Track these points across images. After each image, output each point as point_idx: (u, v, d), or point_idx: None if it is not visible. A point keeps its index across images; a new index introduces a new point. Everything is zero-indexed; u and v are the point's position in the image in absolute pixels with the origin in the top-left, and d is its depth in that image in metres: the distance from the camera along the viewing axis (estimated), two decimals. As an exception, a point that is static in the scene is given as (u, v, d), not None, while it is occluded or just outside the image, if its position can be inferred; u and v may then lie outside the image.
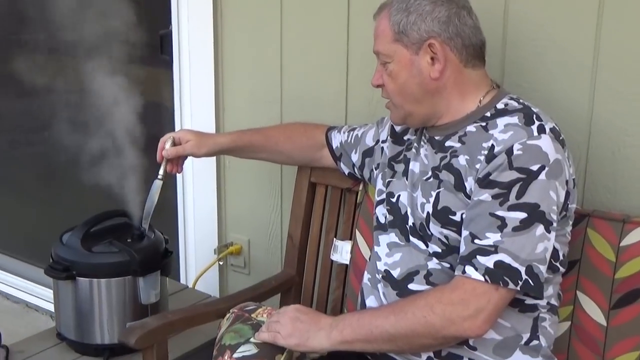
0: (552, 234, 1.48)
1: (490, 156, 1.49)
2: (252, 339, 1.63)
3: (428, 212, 1.59)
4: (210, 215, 2.54)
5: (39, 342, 2.11)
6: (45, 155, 3.41)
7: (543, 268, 1.47)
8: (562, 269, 1.61)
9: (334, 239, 2.11)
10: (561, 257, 1.59)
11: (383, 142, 1.85)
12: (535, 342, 1.56)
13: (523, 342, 1.55)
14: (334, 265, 2.12)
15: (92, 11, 2.41)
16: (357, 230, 2.01)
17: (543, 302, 1.57)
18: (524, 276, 1.44)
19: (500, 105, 1.58)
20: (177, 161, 2.00)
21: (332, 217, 2.14)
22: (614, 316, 1.67)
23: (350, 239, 2.06)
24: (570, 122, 1.80)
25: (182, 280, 2.66)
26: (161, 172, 1.97)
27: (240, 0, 2.33)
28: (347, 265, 2.06)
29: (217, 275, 2.58)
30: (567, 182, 1.51)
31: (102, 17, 2.46)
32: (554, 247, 1.54)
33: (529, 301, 1.55)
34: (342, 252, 2.08)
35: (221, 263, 2.53)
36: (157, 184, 1.97)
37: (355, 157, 1.94)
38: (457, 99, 1.60)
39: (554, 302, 1.61)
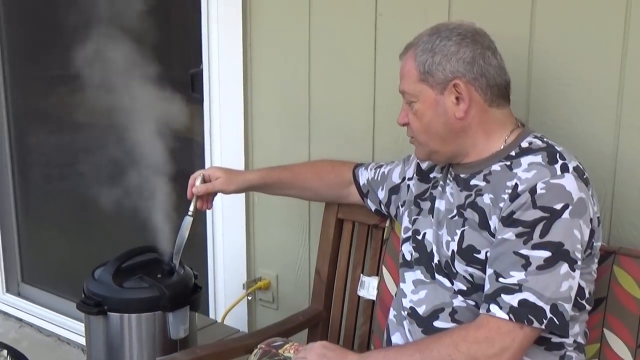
0: (577, 273, 1.49)
1: (514, 195, 1.50)
2: (279, 375, 1.65)
3: (453, 250, 1.60)
4: (239, 250, 2.57)
5: (70, 376, 2.14)
6: (78, 189, 3.48)
7: (568, 306, 1.48)
8: (588, 307, 1.61)
9: (361, 274, 2.13)
10: (587, 295, 1.59)
11: (409, 179, 1.87)
12: (562, 380, 1.56)
13: (549, 381, 1.55)
14: (361, 301, 2.14)
15: (125, 49, 2.48)
16: (383, 267, 2.03)
17: (569, 340, 1.58)
18: (549, 315, 1.45)
19: (524, 144, 1.59)
20: (207, 198, 2.04)
21: (359, 253, 2.16)
22: (641, 354, 1.67)
23: (377, 275, 2.08)
24: (595, 159, 1.82)
25: (212, 315, 2.68)
26: (191, 208, 2.01)
27: (269, 41, 2.37)
28: (373, 301, 2.07)
29: (245, 310, 2.60)
30: (591, 220, 1.52)
31: (136, 55, 2.53)
32: (580, 285, 1.55)
33: (555, 339, 1.55)
34: (368, 288, 2.10)
35: (250, 298, 2.55)
36: (188, 221, 2.02)
37: (381, 194, 1.97)
38: (482, 138, 1.62)
39: (580, 340, 1.61)
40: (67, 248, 3.50)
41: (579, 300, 1.57)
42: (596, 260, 1.61)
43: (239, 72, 2.43)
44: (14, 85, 3.47)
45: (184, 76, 2.71)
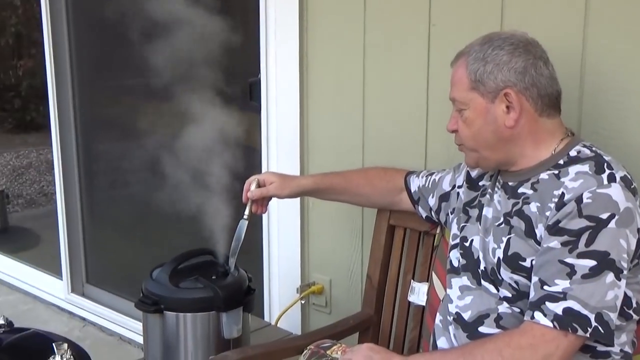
0: (623, 282, 1.49)
1: (560, 204, 1.51)
2: (325, 375, 1.70)
3: (499, 258, 1.62)
4: (294, 255, 2.63)
5: (128, 372, 2.23)
6: (140, 195, 3.60)
7: (613, 315, 1.48)
8: (635, 317, 1.61)
9: (412, 280, 2.17)
10: (634, 305, 1.59)
11: (459, 187, 1.89)
12: (608, 388, 1.57)
13: (595, 389, 1.56)
14: (411, 307, 2.17)
15: (189, 59, 2.56)
16: (433, 273, 2.05)
17: (616, 349, 1.58)
18: (594, 323, 1.46)
19: (573, 153, 1.60)
20: (262, 202, 2.10)
21: (410, 259, 2.19)
22: (689, 366, 1.65)
23: (427, 281, 2.10)
24: (646, 169, 1.81)
25: (266, 318, 2.74)
26: (247, 212, 2.07)
27: (324, 51, 2.43)
28: (423, 306, 2.10)
29: (299, 313, 2.65)
30: (638, 230, 1.52)
31: (198, 65, 2.61)
32: (627, 295, 1.56)
33: (601, 348, 1.56)
34: (419, 294, 2.12)
35: (303, 302, 2.60)
36: (243, 224, 2.08)
37: (432, 201, 2.00)
38: (531, 147, 1.64)
39: (627, 349, 1.61)
40: (129, 251, 3.61)
41: (626, 309, 1.57)
42: (643, 270, 1.61)
43: (295, 81, 2.49)
44: (82, 94, 3.61)
45: (243, 85, 2.78)
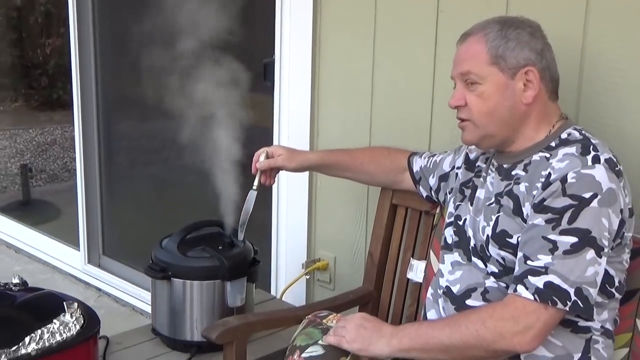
0: (603, 259, 1.55)
1: (547, 183, 1.58)
2: (320, 342, 1.77)
3: (488, 235, 1.69)
4: (301, 231, 2.71)
5: (135, 336, 2.32)
6: (157, 172, 3.70)
7: (593, 291, 1.54)
8: (618, 295, 1.67)
9: (411, 258, 2.23)
10: (617, 284, 1.65)
11: (458, 168, 1.96)
12: (586, 363, 1.63)
13: (574, 361, 1.62)
14: (409, 283, 2.24)
15: (207, 39, 2.64)
16: (430, 250, 2.12)
17: (597, 325, 1.64)
18: (573, 297, 1.52)
19: (564, 136, 1.67)
20: (270, 173, 2.16)
21: (410, 238, 2.26)
22: (671, 346, 1.71)
23: (426, 259, 2.17)
24: (640, 155, 1.87)
25: (273, 292, 2.83)
26: (255, 183, 2.13)
27: (337, 35, 2.50)
28: (421, 283, 2.17)
29: (304, 289, 2.73)
30: (621, 210, 1.58)
31: (216, 45, 2.69)
32: (609, 273, 1.62)
33: (582, 323, 1.62)
34: (417, 271, 2.19)
35: (307, 277, 2.68)
36: (252, 194, 2.14)
37: (432, 181, 2.06)
38: (533, 127, 1.69)
39: (608, 326, 1.67)
40: (144, 225, 3.71)
41: (608, 287, 1.63)
42: (627, 251, 1.66)
43: (308, 63, 2.57)
44: (104, 74, 3.71)
45: (258, 65, 2.86)
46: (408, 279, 2.24)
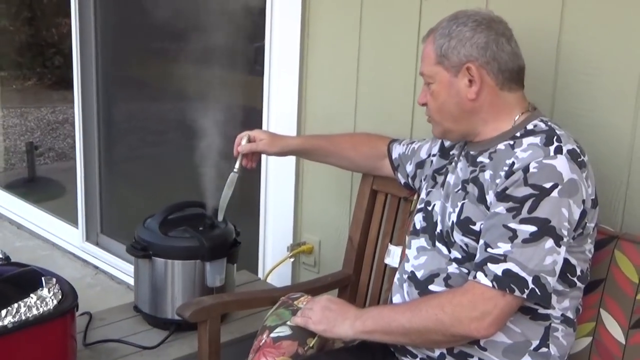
0: (563, 249, 1.57)
1: (509, 172, 1.60)
2: (288, 322, 1.81)
3: (453, 221, 1.72)
4: (288, 215, 2.75)
5: (118, 313, 2.38)
6: (154, 153, 3.74)
7: (551, 279, 1.57)
8: (579, 284, 1.69)
9: (389, 243, 2.27)
10: (579, 273, 1.68)
11: (433, 155, 1.99)
12: (544, 349, 1.66)
13: (532, 347, 1.65)
14: (387, 268, 2.27)
15: (206, 26, 2.68)
16: (406, 236, 2.15)
17: (557, 313, 1.67)
18: (531, 285, 1.55)
19: (530, 126, 1.68)
20: (252, 157, 2.19)
21: (389, 224, 2.29)
22: (632, 335, 1.74)
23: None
24: (613, 147, 1.90)
25: (260, 273, 2.87)
26: (237, 166, 2.16)
27: (325, 22, 2.53)
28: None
29: (290, 271, 2.78)
30: (583, 201, 1.60)
31: (210, 29, 2.73)
32: (571, 263, 1.65)
33: (542, 311, 1.65)
34: (394, 256, 2.22)
35: (292, 260, 2.72)
36: (232, 177, 2.15)
37: (409, 168, 2.09)
38: (491, 119, 1.72)
39: (569, 314, 1.70)
40: (142, 205, 3.76)
41: (570, 276, 1.66)
42: (590, 241, 1.69)
43: (296, 48, 2.59)
44: (104, 56, 3.75)
45: (250, 49, 2.90)
46: (386, 264, 2.27)
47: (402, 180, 2.14)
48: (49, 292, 1.91)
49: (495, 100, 1.71)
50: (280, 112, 2.70)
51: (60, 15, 7.04)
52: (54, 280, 1.95)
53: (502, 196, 1.60)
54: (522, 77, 1.74)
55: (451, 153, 1.90)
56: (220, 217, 2.23)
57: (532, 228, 1.55)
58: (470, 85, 1.69)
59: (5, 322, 1.82)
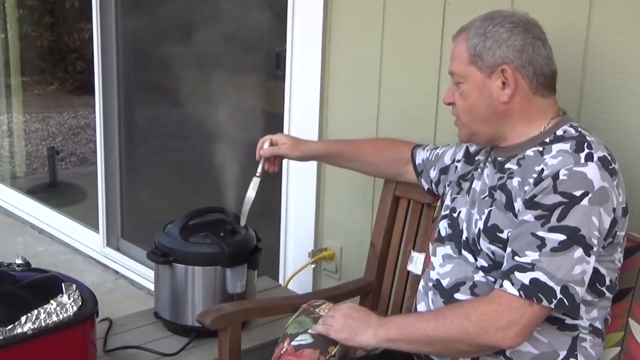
0: (592, 258, 1.53)
1: (538, 179, 1.56)
2: (309, 330, 1.79)
3: (479, 229, 1.68)
4: (309, 221, 2.72)
5: (138, 319, 2.37)
6: (174, 158, 3.74)
7: (580, 289, 1.53)
8: (608, 294, 1.65)
9: (412, 250, 2.23)
10: (607, 283, 1.64)
11: (457, 161, 1.95)
12: (572, 360, 1.62)
13: (559, 358, 1.61)
14: (409, 275, 2.24)
15: (226, 33, 2.67)
16: (429, 243, 2.11)
17: (585, 323, 1.63)
18: (559, 295, 1.51)
19: (559, 132, 1.65)
20: (274, 161, 2.17)
21: (411, 230, 2.26)
22: (662, 346, 1.69)
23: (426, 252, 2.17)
24: (641, 153, 1.85)
25: (281, 279, 2.85)
26: (259, 170, 2.14)
27: (347, 26, 2.51)
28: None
29: (311, 277, 2.75)
30: (614, 209, 1.56)
31: (232, 35, 2.71)
32: (600, 272, 1.60)
33: (569, 321, 1.60)
34: (416, 263, 2.19)
35: (314, 266, 2.70)
36: (255, 181, 2.14)
37: (433, 174, 2.06)
38: (521, 124, 1.68)
39: (598, 325, 1.66)
40: (162, 210, 3.75)
41: (599, 286, 1.62)
42: (619, 250, 1.64)
43: (318, 53, 2.57)
44: (125, 61, 3.75)
45: (271, 54, 2.88)
46: (409, 271, 2.23)
47: (426, 186, 2.11)
48: (69, 298, 1.90)
49: (527, 105, 1.67)
50: (301, 117, 2.68)
51: (81, 21, 7.09)
52: (74, 286, 1.93)
53: (530, 204, 1.56)
54: (554, 82, 1.71)
55: (476, 159, 1.87)
56: (242, 222, 2.21)
57: (561, 237, 1.51)
58: (503, 88, 1.65)
59: (25, 328, 1.81)
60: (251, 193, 2.15)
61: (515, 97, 1.66)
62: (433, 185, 2.07)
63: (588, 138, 1.61)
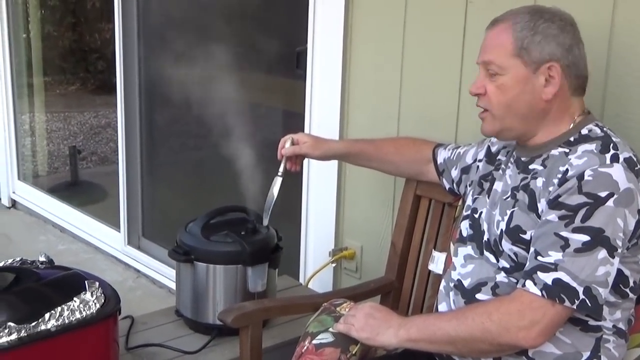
0: (616, 260, 1.52)
1: (563, 180, 1.55)
2: (330, 329, 1.79)
3: (502, 230, 1.67)
4: (330, 220, 2.72)
5: (159, 317, 2.38)
6: (195, 158, 3.75)
7: (603, 291, 1.52)
8: (632, 295, 1.64)
9: (433, 249, 2.23)
10: (631, 284, 1.62)
11: (479, 161, 1.94)
12: (595, 361, 1.61)
13: (583, 359, 1.60)
14: (430, 275, 2.24)
15: (248, 31, 2.67)
16: (450, 242, 2.11)
17: (608, 325, 1.62)
18: (582, 296, 1.50)
19: (584, 131, 1.64)
20: (296, 160, 2.16)
21: (432, 229, 2.25)
22: (687, 347, 1.68)
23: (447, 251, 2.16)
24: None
25: (301, 279, 2.85)
26: (281, 169, 2.14)
27: (368, 25, 2.51)
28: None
29: (331, 277, 2.75)
30: (639, 211, 1.55)
31: (250, 34, 2.72)
32: (624, 274, 1.59)
33: (593, 322, 1.59)
34: (437, 263, 2.19)
35: (334, 265, 2.70)
36: (277, 180, 2.13)
37: (454, 173, 2.05)
38: (553, 123, 1.66)
39: (621, 326, 1.64)
40: (183, 209, 3.77)
41: (622, 287, 1.61)
42: (644, 251, 1.63)
43: (339, 52, 2.57)
44: (147, 62, 3.77)
45: (291, 53, 2.88)
46: (429, 271, 2.23)
47: (447, 186, 2.10)
48: (92, 295, 1.91)
49: (563, 105, 1.66)
50: (322, 117, 2.68)
51: (103, 21, 7.13)
52: (97, 284, 1.95)
53: (554, 204, 1.55)
54: (586, 84, 1.70)
55: (498, 158, 1.86)
56: (265, 222, 2.18)
57: (585, 237, 1.51)
58: (546, 85, 1.63)
59: (49, 325, 1.82)
60: (274, 192, 2.14)
61: (556, 96, 1.64)
62: (454, 185, 2.07)
63: (614, 139, 1.60)
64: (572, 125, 1.66)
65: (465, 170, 2.01)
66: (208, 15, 3.05)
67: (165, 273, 3.61)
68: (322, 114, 2.68)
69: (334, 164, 2.63)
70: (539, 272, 1.53)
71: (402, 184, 2.37)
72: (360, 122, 2.58)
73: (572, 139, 1.63)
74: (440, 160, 2.11)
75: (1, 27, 4.61)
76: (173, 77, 3.81)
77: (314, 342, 1.78)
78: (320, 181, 2.74)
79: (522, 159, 1.71)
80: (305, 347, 1.78)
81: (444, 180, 2.11)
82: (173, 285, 3.53)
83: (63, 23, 6.22)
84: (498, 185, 1.76)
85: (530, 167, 1.68)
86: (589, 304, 1.50)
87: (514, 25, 1.64)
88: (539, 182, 1.63)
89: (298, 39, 2.81)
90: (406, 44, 2.40)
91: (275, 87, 3.11)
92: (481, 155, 1.94)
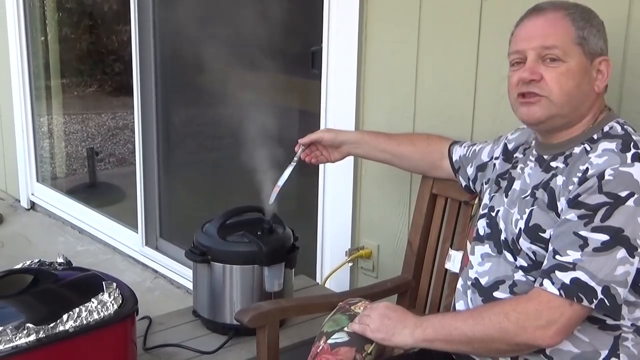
0: (636, 259, 1.51)
1: (583, 179, 1.54)
2: (345, 328, 1.79)
3: (520, 228, 1.66)
4: (346, 219, 2.72)
5: (177, 317, 2.39)
6: (211, 158, 3.76)
7: (622, 290, 1.50)
8: (651, 295, 1.63)
9: (450, 248, 2.22)
10: (651, 283, 1.61)
11: (496, 158, 1.93)
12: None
13: (601, 358, 1.59)
14: (447, 273, 2.23)
15: (263, 31, 2.68)
16: (467, 241, 2.10)
17: (627, 323, 1.60)
18: (600, 295, 1.49)
19: (606, 128, 1.62)
20: (311, 153, 2.22)
21: (449, 228, 2.25)
22: None
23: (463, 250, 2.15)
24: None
25: (318, 278, 2.85)
26: (296, 158, 2.19)
27: (383, 24, 2.50)
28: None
29: (348, 276, 2.75)
30: None
31: (267, 35, 2.72)
32: (644, 273, 1.58)
33: (611, 321, 1.58)
34: (454, 262, 2.18)
35: (351, 265, 2.69)
36: (290, 166, 2.17)
37: (470, 171, 2.05)
38: (582, 117, 1.65)
39: (640, 324, 1.63)
40: (200, 210, 3.78)
41: (642, 287, 1.60)
42: (665, 251, 1.61)
43: (354, 51, 2.57)
44: (163, 63, 3.79)
45: (306, 53, 2.88)
46: (446, 269, 2.22)
47: (463, 183, 2.10)
48: (110, 296, 1.92)
49: (598, 101, 1.66)
50: (338, 116, 2.68)
51: (120, 23, 7.16)
52: (115, 284, 1.95)
53: (574, 203, 1.54)
54: None
55: (515, 156, 1.85)
56: (271, 200, 2.17)
57: (604, 237, 1.49)
58: (595, 79, 1.63)
59: (67, 326, 1.83)
60: (285, 175, 2.15)
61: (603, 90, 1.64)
62: (470, 182, 2.06)
63: (634, 137, 1.58)
64: (595, 122, 1.65)
65: (481, 167, 2.00)
66: (223, 17, 3.05)
67: (183, 273, 3.62)
68: (337, 113, 2.68)
69: (349, 163, 2.63)
70: (557, 271, 1.52)
71: (418, 183, 2.36)
72: (375, 122, 2.57)
73: (595, 136, 1.62)
74: (455, 157, 2.11)
75: (19, 30, 4.64)
76: (189, 78, 3.83)
77: (329, 341, 1.78)
78: (336, 181, 2.74)
79: (544, 156, 1.70)
80: (320, 347, 1.79)
81: (459, 177, 2.10)
82: (191, 286, 3.56)
83: (80, 25, 6.25)
84: (516, 184, 1.75)
85: (552, 164, 1.66)
86: (608, 304, 1.49)
87: (571, 14, 1.62)
88: (559, 180, 1.61)
89: (313, 38, 2.81)
90: (421, 43, 2.39)
91: (291, 87, 3.11)
92: (497, 152, 1.94)
